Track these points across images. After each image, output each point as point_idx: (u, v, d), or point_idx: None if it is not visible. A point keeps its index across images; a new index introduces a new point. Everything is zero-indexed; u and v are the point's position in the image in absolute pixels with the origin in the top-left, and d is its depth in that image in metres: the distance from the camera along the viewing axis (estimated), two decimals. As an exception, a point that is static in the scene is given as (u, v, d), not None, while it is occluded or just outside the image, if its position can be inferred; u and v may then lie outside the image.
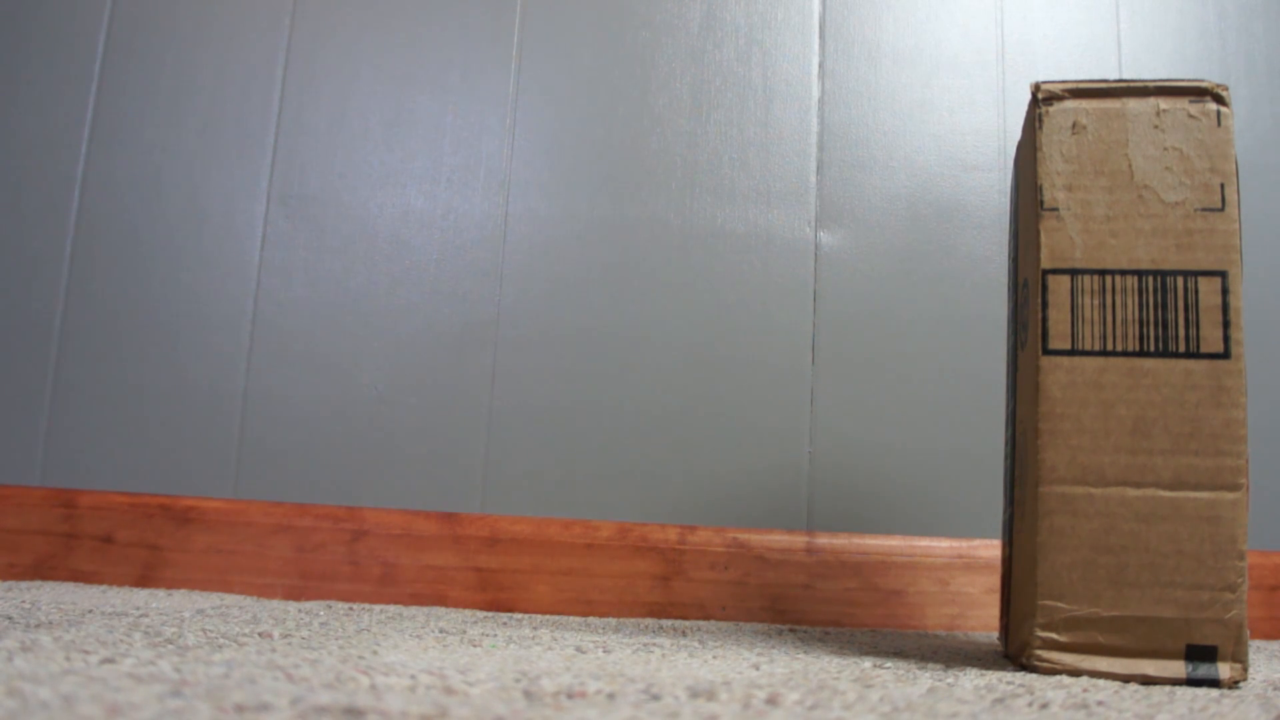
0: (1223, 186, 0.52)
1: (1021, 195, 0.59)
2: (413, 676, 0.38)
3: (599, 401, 0.90)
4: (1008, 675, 0.49)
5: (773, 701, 0.36)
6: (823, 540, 0.86)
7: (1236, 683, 0.49)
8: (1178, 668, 0.49)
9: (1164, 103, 0.53)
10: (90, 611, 0.62)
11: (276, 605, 0.76)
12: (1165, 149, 0.53)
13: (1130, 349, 0.52)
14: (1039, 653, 0.51)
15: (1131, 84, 0.54)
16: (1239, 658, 0.49)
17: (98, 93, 0.95)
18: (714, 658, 0.54)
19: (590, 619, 0.81)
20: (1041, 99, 0.54)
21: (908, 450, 0.89)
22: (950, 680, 0.46)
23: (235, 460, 0.90)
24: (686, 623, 0.81)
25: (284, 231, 0.93)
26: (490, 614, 0.81)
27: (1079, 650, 0.50)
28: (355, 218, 0.93)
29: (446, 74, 0.95)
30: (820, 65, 0.94)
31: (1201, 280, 0.51)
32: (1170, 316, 0.51)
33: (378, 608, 0.79)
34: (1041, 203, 0.53)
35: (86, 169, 0.94)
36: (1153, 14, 0.95)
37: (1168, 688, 0.47)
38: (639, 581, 0.85)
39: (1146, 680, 0.49)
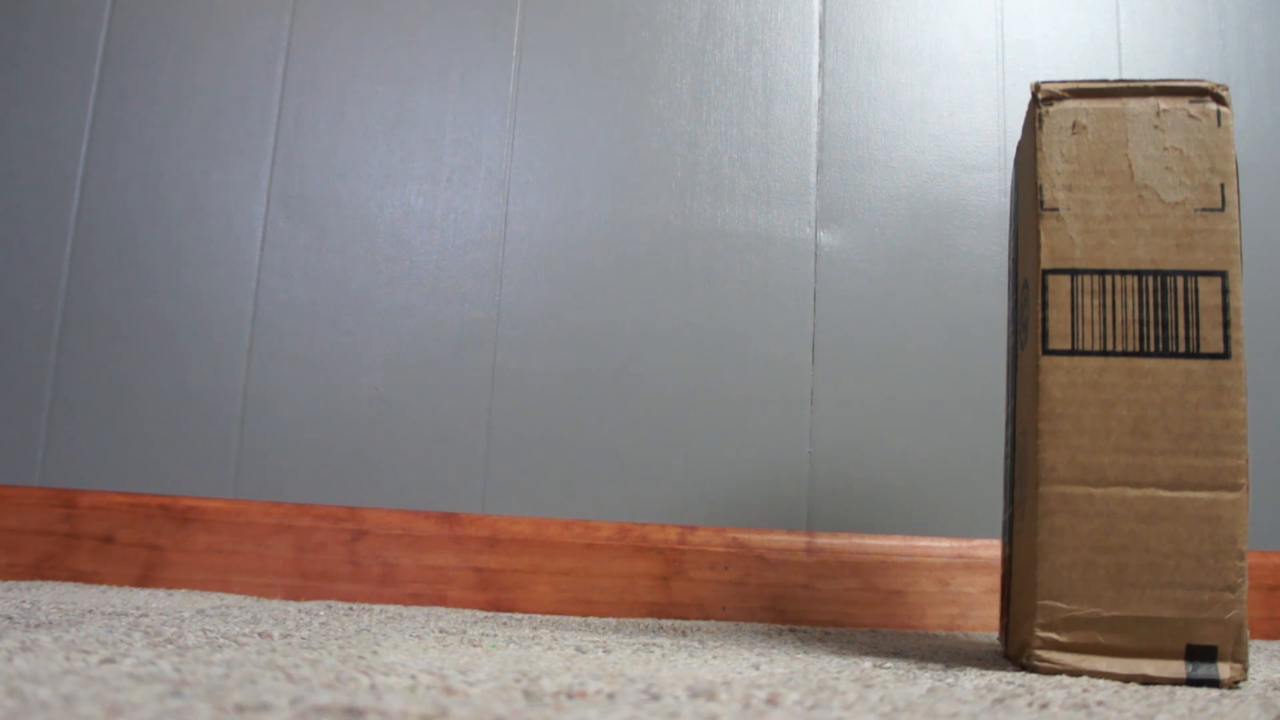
0: (1223, 186, 0.52)
1: (1021, 195, 0.59)
2: (413, 676, 0.38)
3: (599, 401, 0.90)
4: (1008, 675, 0.49)
5: (773, 701, 0.36)
6: (823, 540, 0.86)
7: (1236, 683, 0.49)
8: (1178, 668, 0.49)
9: (1164, 103, 0.53)
10: (90, 611, 0.62)
11: (276, 605, 0.76)
12: (1165, 149, 0.53)
13: (1130, 349, 0.52)
14: (1039, 653, 0.51)
15: (1131, 84, 0.54)
16: (1239, 658, 0.49)
17: (98, 93, 0.95)
18: (714, 658, 0.54)
19: (590, 619, 0.81)
20: (1041, 99, 0.54)
21: (908, 450, 0.89)
22: (950, 680, 0.46)
23: (235, 460, 0.90)
24: (686, 623, 0.81)
25: (284, 231, 0.93)
26: (490, 614, 0.81)
27: (1079, 650, 0.50)
28: (355, 218, 0.93)
29: (446, 74, 0.95)
30: (820, 65, 0.94)
31: (1201, 280, 0.51)
32: (1170, 316, 0.51)
33: (378, 608, 0.79)
34: (1041, 203, 0.53)
35: (86, 169, 0.94)
36: (1153, 14, 0.95)
37: (1168, 688, 0.47)
38: (639, 581, 0.85)
39: (1146, 680, 0.49)
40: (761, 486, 0.88)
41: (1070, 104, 0.54)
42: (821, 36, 0.95)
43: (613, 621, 0.79)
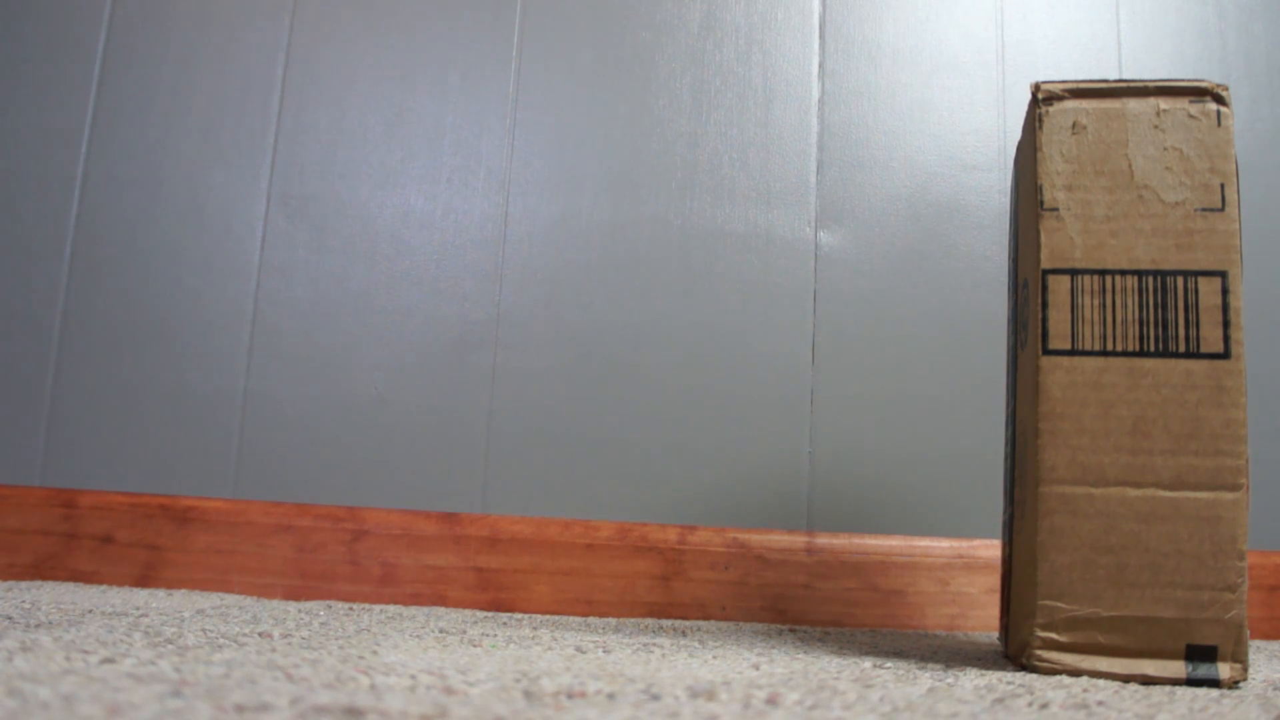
0: (1223, 186, 0.52)
1: (1021, 195, 0.59)
2: (413, 676, 0.38)
3: (599, 401, 0.90)
4: (1008, 675, 0.49)
5: (773, 701, 0.36)
6: (823, 540, 0.86)
7: (1236, 683, 0.49)
8: (1178, 668, 0.49)
9: (1164, 103, 0.53)
10: (90, 611, 0.62)
11: (276, 605, 0.76)
12: (1165, 149, 0.53)
13: (1130, 349, 0.52)
14: (1039, 653, 0.51)
15: (1131, 84, 0.54)
16: (1239, 658, 0.49)
17: (98, 93, 0.95)
18: (714, 658, 0.54)
19: (590, 619, 0.81)
20: (1041, 99, 0.54)
21: (908, 450, 0.89)
22: (950, 680, 0.46)
23: (235, 460, 0.90)
24: (686, 623, 0.81)
25: (284, 231, 0.93)
26: (490, 614, 0.81)
27: (1079, 650, 0.50)
28: (355, 218, 0.93)
29: (446, 74, 0.95)
30: (820, 65, 0.94)
31: (1201, 280, 0.51)
32: (1170, 316, 0.51)
33: (378, 608, 0.79)
34: (1041, 203, 0.53)
35: (86, 169, 0.94)
36: (1153, 14, 0.95)
37: (1168, 688, 0.47)
38: (639, 581, 0.85)
39: (1146, 680, 0.49)
40: (761, 486, 0.88)
41: (1070, 104, 0.54)
42: (821, 36, 0.95)
43: (613, 621, 0.79)
